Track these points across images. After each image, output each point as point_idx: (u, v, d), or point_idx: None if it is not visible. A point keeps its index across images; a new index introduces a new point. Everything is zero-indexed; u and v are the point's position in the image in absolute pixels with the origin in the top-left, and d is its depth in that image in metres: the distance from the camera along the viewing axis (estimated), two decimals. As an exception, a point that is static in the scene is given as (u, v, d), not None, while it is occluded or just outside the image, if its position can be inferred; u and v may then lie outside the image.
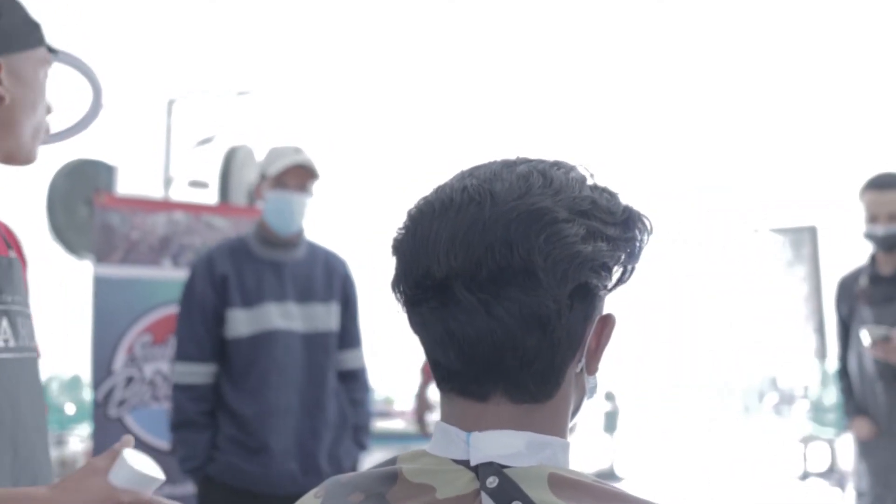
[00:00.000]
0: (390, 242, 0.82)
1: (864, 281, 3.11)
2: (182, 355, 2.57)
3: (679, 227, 8.70)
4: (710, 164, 7.75)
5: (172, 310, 2.99)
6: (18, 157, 1.29)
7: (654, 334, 8.68)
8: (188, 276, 2.64)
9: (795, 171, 7.68)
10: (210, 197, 4.00)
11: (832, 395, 6.88)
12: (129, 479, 1.00)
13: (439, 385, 0.80)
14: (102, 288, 3.00)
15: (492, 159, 0.85)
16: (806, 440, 6.92)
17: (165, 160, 4.03)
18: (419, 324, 0.78)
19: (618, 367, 8.32)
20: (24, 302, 1.28)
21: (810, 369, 7.71)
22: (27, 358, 1.25)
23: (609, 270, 0.77)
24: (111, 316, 3.00)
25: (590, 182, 0.80)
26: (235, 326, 2.56)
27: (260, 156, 3.95)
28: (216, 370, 2.57)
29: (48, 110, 1.33)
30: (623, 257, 0.78)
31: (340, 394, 2.73)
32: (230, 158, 3.71)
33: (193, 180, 4.02)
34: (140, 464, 1.01)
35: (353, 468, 2.74)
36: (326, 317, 2.69)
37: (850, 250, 7.20)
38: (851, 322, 3.15)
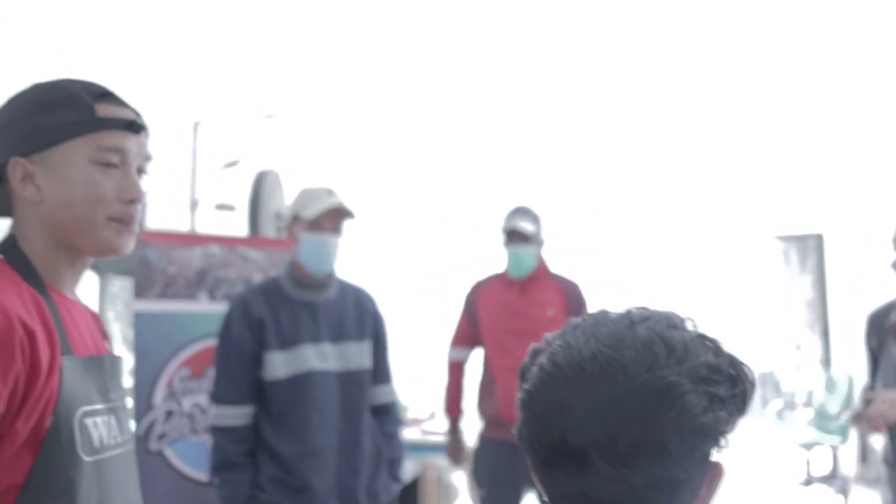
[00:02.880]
0: (520, 395, 0.90)
1: (894, 316, 3.18)
2: (220, 398, 2.61)
3: (686, 234, 8.76)
4: (715, 172, 7.79)
5: (209, 343, 3.04)
6: (101, 251, 1.24)
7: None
8: (224, 320, 2.66)
9: (802, 178, 7.73)
10: (237, 220, 4.04)
11: (836, 402, 6.97)
12: None
13: None
14: (142, 323, 3.05)
15: (605, 309, 0.93)
16: (809, 446, 7.02)
17: (191, 183, 4.08)
18: (553, 484, 0.87)
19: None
20: (124, 394, 1.33)
21: (814, 376, 7.80)
22: (130, 449, 1.30)
23: (726, 436, 0.86)
24: (151, 351, 3.05)
25: (696, 331, 0.89)
26: (273, 369, 2.60)
27: (287, 180, 3.98)
28: (254, 411, 2.62)
29: (129, 198, 1.23)
30: (735, 417, 0.87)
31: (374, 428, 2.80)
32: (259, 184, 3.75)
33: (220, 203, 4.07)
34: None
35: (389, 502, 2.81)
36: (360, 355, 2.75)
37: (856, 258, 7.28)
38: (881, 356, 3.22)
